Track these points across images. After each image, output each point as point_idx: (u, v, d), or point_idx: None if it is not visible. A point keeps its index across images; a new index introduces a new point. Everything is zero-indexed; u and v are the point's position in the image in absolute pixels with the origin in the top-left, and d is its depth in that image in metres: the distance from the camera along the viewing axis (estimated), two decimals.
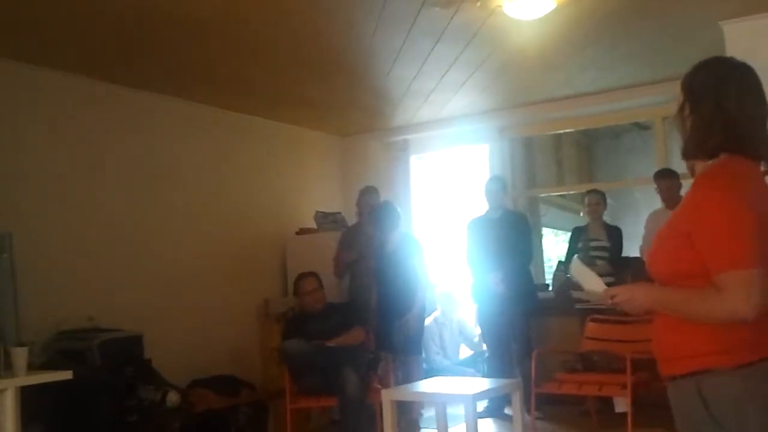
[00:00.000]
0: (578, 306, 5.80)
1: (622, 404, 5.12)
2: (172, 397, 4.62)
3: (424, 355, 6.51)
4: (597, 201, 6.05)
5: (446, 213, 8.07)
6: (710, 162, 1.86)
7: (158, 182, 5.84)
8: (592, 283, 2.06)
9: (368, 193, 6.27)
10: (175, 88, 5.78)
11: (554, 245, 8.93)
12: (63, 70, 5.13)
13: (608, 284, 2.04)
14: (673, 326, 1.82)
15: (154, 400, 4.55)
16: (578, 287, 2.11)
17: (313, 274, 5.58)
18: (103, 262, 5.31)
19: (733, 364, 1.72)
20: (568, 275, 5.94)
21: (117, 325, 4.98)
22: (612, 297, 1.92)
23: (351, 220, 6.77)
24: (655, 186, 5.70)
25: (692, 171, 1.97)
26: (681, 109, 1.93)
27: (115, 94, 5.53)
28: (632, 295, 1.90)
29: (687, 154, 1.93)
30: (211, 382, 5.51)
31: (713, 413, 1.72)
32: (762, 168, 1.89)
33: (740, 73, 1.91)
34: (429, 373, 6.14)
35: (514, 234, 5.96)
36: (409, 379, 5.45)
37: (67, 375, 3.84)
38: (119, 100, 5.57)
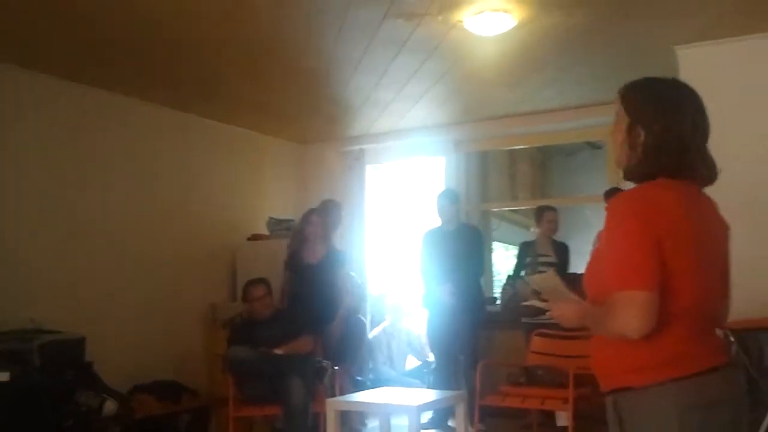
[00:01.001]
0: (525, 320, 5.87)
1: (563, 418, 5.18)
2: (110, 406, 4.53)
3: (371, 365, 6.52)
4: (555, 218, 6.12)
5: (400, 223, 8.09)
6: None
7: (106, 182, 5.73)
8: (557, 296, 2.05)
9: (334, 206, 6.34)
10: (129, 88, 5.70)
11: (504, 259, 9.01)
12: (21, 66, 5.02)
13: None
14: (601, 344, 1.89)
15: (91, 407, 4.46)
16: (536, 297, 2.12)
17: (263, 281, 5.53)
18: (46, 263, 5.19)
19: (645, 383, 1.77)
20: (516, 289, 6.00)
21: (59, 327, 4.86)
22: (550, 312, 1.99)
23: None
24: (605, 204, 5.79)
25: None
26: (629, 130, 1.92)
27: (68, 91, 5.42)
28: (562, 312, 1.96)
29: (639, 176, 1.92)
30: (153, 387, 5.42)
31: (626, 429, 1.79)
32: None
33: (662, 91, 1.94)
34: (375, 384, 6.14)
35: (468, 247, 6.00)
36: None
37: (3, 377, 3.74)
38: (72, 98, 5.46)
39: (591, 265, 1.99)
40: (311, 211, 5.99)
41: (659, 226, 1.77)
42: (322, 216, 5.99)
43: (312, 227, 5.82)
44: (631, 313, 1.72)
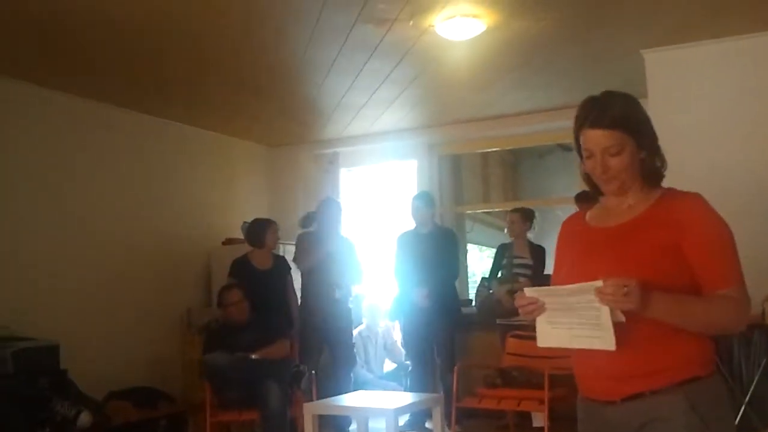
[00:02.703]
0: (500, 321, 5.92)
1: (539, 419, 5.24)
2: (84, 418, 4.52)
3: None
4: (513, 220, 6.15)
5: (375, 226, 8.11)
6: (656, 189, 1.96)
7: (79, 187, 5.71)
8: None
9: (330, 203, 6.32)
10: (99, 92, 5.66)
11: (479, 261, 9.07)
12: None
13: None
14: (650, 340, 1.82)
15: (67, 416, 4.43)
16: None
17: (238, 285, 5.52)
18: (19, 269, 5.15)
19: (711, 371, 1.87)
20: (492, 291, 6.04)
21: (33, 334, 4.83)
22: (624, 285, 1.72)
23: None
24: (577, 208, 5.85)
25: (616, 193, 2.00)
26: (636, 152, 1.92)
27: (36, 96, 5.40)
28: (641, 296, 1.73)
29: (651, 181, 1.96)
30: (130, 393, 5.41)
31: (703, 416, 1.80)
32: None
33: None
34: (353, 387, 6.15)
35: (442, 249, 6.02)
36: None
37: None
38: (41, 103, 5.44)
39: (635, 259, 1.86)
40: (273, 222, 6.01)
41: None
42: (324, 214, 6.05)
43: (275, 236, 5.88)
44: (749, 305, 1.87)
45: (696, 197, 1.92)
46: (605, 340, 1.75)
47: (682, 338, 1.83)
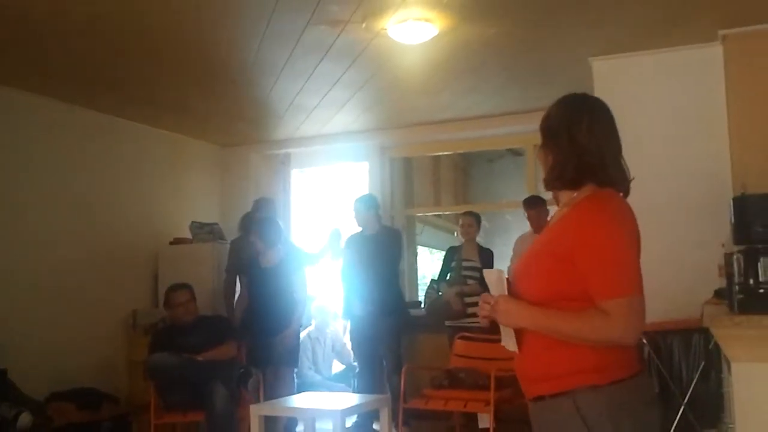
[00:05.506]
0: (448, 323, 5.98)
1: (485, 420, 5.29)
2: (25, 419, 4.43)
3: (296, 369, 6.51)
4: (469, 223, 6.24)
5: (325, 228, 8.10)
6: (581, 191, 1.92)
7: (22, 184, 5.57)
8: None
9: (265, 204, 6.24)
10: (44, 86, 5.53)
11: (429, 263, 9.13)
12: None
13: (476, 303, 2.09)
14: (546, 347, 1.86)
15: (6, 417, 4.33)
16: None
17: (186, 286, 5.46)
18: None
19: (608, 381, 1.81)
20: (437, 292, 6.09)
21: None
22: (493, 303, 1.90)
23: (229, 231, 6.69)
24: (525, 212, 5.95)
25: (557, 199, 2.04)
26: (543, 145, 2.01)
27: None
28: (508, 308, 1.89)
29: (548, 186, 2.01)
30: (73, 394, 5.30)
31: (591, 426, 1.79)
32: None
33: (591, 107, 1.98)
34: (300, 388, 6.14)
35: (387, 250, 6.05)
36: (280, 393, 5.42)
37: None
38: None
39: (535, 266, 1.94)
40: (250, 233, 5.82)
41: (635, 232, 1.85)
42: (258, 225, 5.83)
43: (255, 247, 5.70)
44: (633, 321, 1.76)
45: (592, 202, 1.88)
46: (511, 344, 1.94)
47: (579, 347, 1.82)
